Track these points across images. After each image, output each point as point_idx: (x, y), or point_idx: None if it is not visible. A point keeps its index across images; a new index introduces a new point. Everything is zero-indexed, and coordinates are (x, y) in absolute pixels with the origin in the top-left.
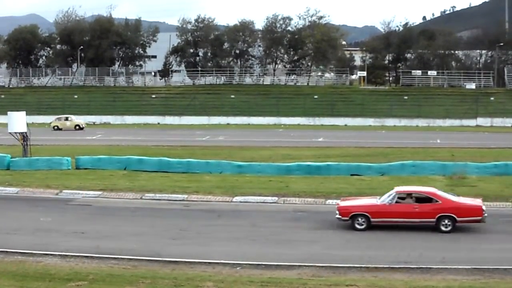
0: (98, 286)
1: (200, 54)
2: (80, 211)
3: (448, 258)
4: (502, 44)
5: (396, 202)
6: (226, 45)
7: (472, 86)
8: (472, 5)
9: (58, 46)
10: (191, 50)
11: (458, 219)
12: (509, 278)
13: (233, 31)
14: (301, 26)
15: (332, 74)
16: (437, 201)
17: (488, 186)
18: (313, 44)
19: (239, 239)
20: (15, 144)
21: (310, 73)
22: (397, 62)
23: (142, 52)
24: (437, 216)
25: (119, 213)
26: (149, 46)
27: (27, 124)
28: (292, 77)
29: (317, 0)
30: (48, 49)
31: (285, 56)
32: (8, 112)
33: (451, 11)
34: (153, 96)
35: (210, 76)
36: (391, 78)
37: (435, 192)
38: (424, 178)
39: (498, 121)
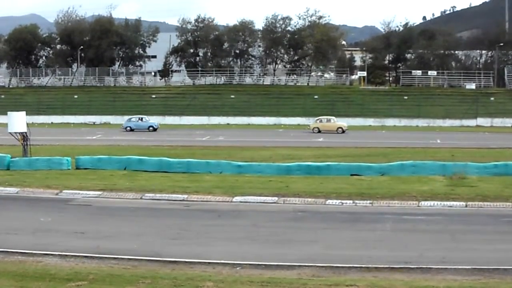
0: (98, 286)
1: (200, 54)
2: (80, 211)
3: (448, 258)
4: (502, 44)
5: None
6: (226, 45)
7: (472, 86)
8: (472, 5)
9: (58, 46)
10: (191, 50)
11: None
12: (509, 278)
13: (233, 31)
14: (301, 26)
15: (332, 74)
16: None
17: (488, 186)
18: (313, 44)
19: (239, 239)
20: (15, 144)
21: (310, 73)
22: (397, 62)
23: (142, 52)
24: None
25: (119, 213)
26: (149, 46)
27: (27, 124)
28: (292, 77)
29: (317, 0)
30: (48, 49)
31: (285, 56)
32: (8, 112)
33: (451, 11)
34: (153, 96)
35: (210, 76)
36: (391, 78)
37: None
38: (424, 178)
39: (498, 121)
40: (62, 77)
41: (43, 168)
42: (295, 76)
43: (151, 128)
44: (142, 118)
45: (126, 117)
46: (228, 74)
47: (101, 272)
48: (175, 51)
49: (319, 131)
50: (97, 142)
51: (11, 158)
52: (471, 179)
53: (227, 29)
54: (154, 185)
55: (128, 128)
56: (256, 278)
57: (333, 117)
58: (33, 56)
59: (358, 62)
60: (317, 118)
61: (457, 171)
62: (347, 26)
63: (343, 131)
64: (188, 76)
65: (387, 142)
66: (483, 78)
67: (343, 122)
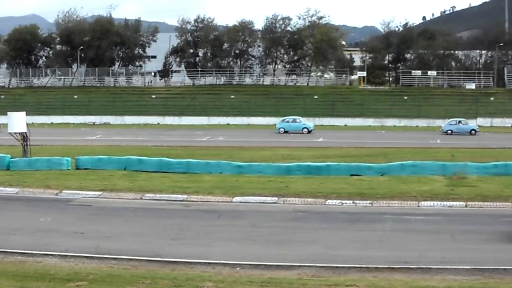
0: (98, 286)
1: (200, 54)
2: (80, 211)
3: (447, 258)
4: (502, 44)
5: None
6: (226, 45)
7: (472, 86)
8: (472, 5)
9: (58, 47)
10: (191, 51)
11: None
12: (509, 278)
13: (232, 31)
14: (301, 26)
15: (331, 74)
16: None
17: (488, 186)
18: (313, 44)
19: (239, 239)
20: (15, 144)
21: (310, 73)
22: (397, 62)
23: (142, 52)
24: None
25: (119, 213)
26: (149, 46)
27: (27, 124)
28: (292, 77)
29: (317, 0)
30: (48, 49)
31: (285, 56)
32: (8, 113)
33: (451, 11)
34: (153, 96)
35: (210, 76)
36: (391, 78)
37: None
38: (424, 178)
39: (498, 121)
40: (62, 77)
41: (43, 168)
42: (295, 76)
43: (473, 132)
44: (460, 122)
45: (126, 118)
46: (228, 74)
47: (101, 272)
48: (175, 51)
49: None
50: (97, 142)
51: (11, 158)
52: (471, 179)
53: (227, 29)
54: (154, 185)
55: (449, 131)
56: (256, 278)
57: None
58: (33, 56)
59: (357, 62)
60: None
61: (457, 171)
62: (347, 26)
63: None
64: (188, 76)
65: (387, 142)
66: (483, 78)
67: None
